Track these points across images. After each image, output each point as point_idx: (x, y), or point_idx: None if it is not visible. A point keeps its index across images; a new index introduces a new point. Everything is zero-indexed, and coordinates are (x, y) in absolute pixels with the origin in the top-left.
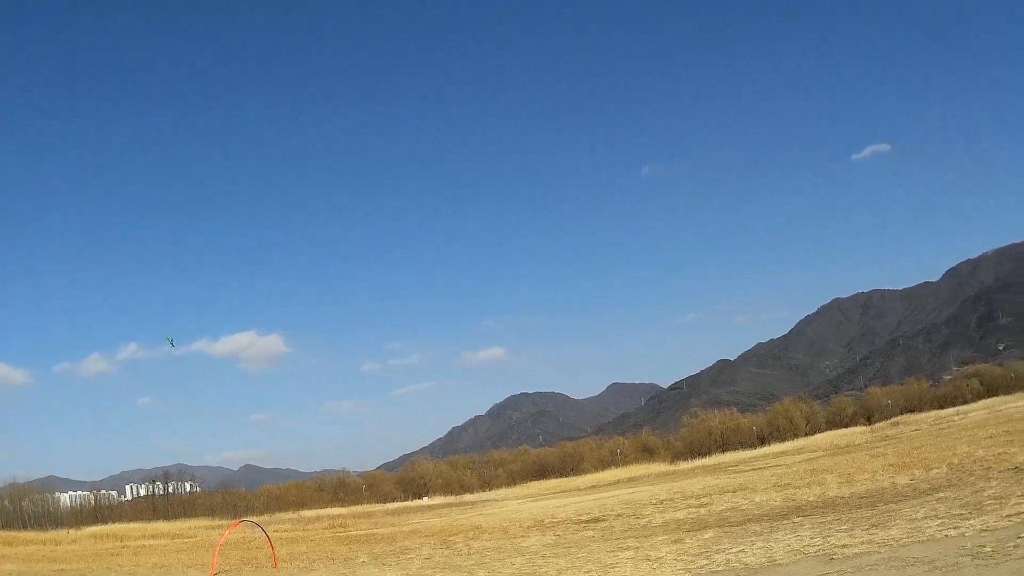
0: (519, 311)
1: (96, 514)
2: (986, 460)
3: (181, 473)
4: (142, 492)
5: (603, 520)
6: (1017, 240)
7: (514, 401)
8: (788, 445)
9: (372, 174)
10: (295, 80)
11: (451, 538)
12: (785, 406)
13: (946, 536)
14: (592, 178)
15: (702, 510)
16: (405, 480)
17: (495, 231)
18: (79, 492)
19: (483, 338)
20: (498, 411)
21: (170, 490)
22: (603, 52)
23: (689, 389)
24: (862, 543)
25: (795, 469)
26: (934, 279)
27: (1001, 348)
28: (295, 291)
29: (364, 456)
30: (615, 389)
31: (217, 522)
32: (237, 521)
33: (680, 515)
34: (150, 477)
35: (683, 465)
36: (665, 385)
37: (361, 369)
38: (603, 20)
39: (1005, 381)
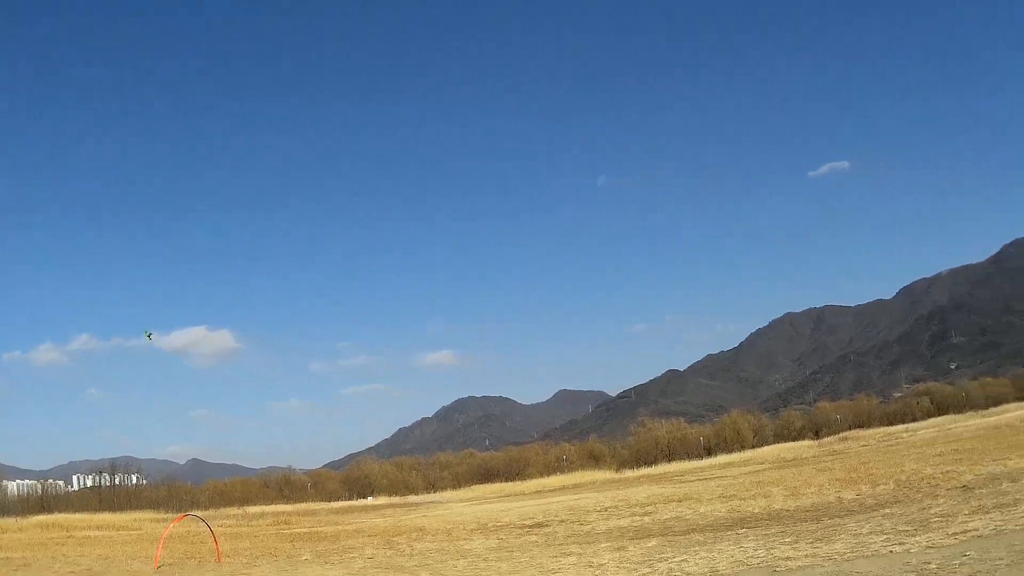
0: (470, 315)
1: (43, 503)
2: (934, 478)
3: (128, 465)
4: (89, 483)
5: (547, 525)
6: (973, 261)
7: (461, 404)
8: (735, 457)
9: (328, 175)
10: (258, 76)
11: (394, 538)
12: (733, 418)
13: (891, 552)
14: (548, 185)
15: (646, 518)
16: (350, 479)
17: (448, 235)
18: (26, 481)
19: (432, 341)
20: (445, 414)
21: (117, 482)
22: (563, 60)
23: (637, 398)
24: (806, 556)
25: (741, 481)
26: (887, 297)
27: (953, 367)
28: (247, 288)
29: (310, 454)
30: (563, 396)
31: (162, 515)
32: (182, 515)
33: (624, 523)
34: (97, 468)
35: (629, 473)
36: (613, 393)
37: (310, 368)
38: (563, 29)
39: (956, 400)
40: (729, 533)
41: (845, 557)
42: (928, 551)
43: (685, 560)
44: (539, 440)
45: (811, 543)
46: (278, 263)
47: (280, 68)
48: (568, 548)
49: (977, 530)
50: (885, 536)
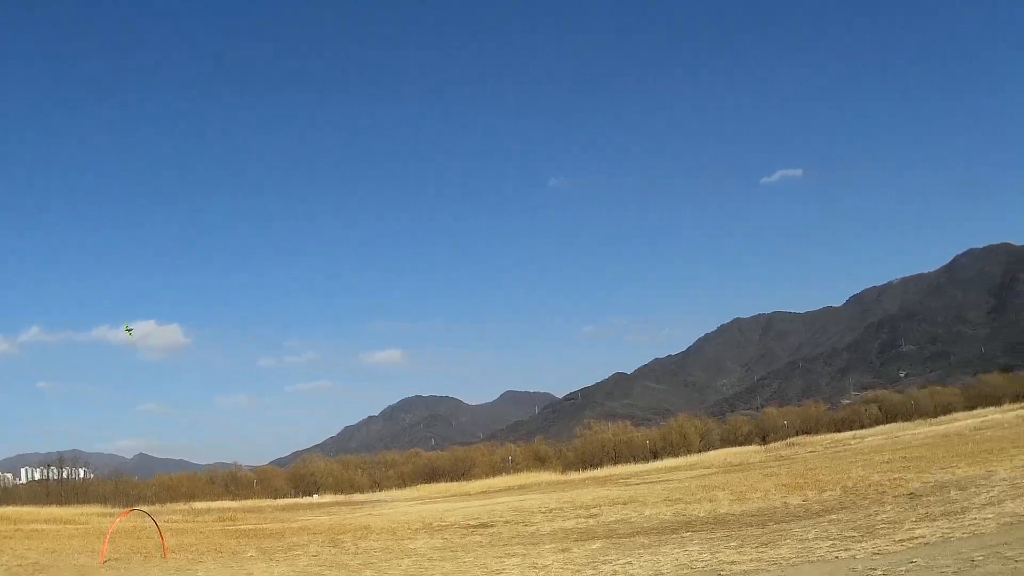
0: (418, 314)
1: None
2: (881, 484)
3: (76, 459)
4: (37, 476)
5: (492, 526)
6: (924, 270)
7: (408, 403)
8: (681, 460)
9: (278, 173)
10: (222, 69)
11: (339, 537)
12: (680, 422)
13: (836, 558)
14: (499, 186)
15: (591, 521)
16: (296, 477)
17: (397, 234)
18: None
19: (380, 339)
20: (392, 412)
21: (64, 475)
22: (516, 61)
23: (584, 400)
24: (751, 560)
25: (687, 484)
26: (837, 304)
27: (902, 375)
28: (197, 282)
29: (257, 451)
30: (509, 397)
31: (109, 509)
32: (128, 510)
33: (569, 524)
34: (45, 461)
35: (574, 475)
36: (560, 395)
37: (258, 364)
38: (515, 30)
39: (904, 408)
40: (674, 536)
41: (790, 562)
42: (874, 557)
43: (629, 563)
44: (485, 441)
45: (756, 547)
46: (228, 258)
47: (236, 62)
48: (513, 549)
49: (924, 537)
50: (831, 542)
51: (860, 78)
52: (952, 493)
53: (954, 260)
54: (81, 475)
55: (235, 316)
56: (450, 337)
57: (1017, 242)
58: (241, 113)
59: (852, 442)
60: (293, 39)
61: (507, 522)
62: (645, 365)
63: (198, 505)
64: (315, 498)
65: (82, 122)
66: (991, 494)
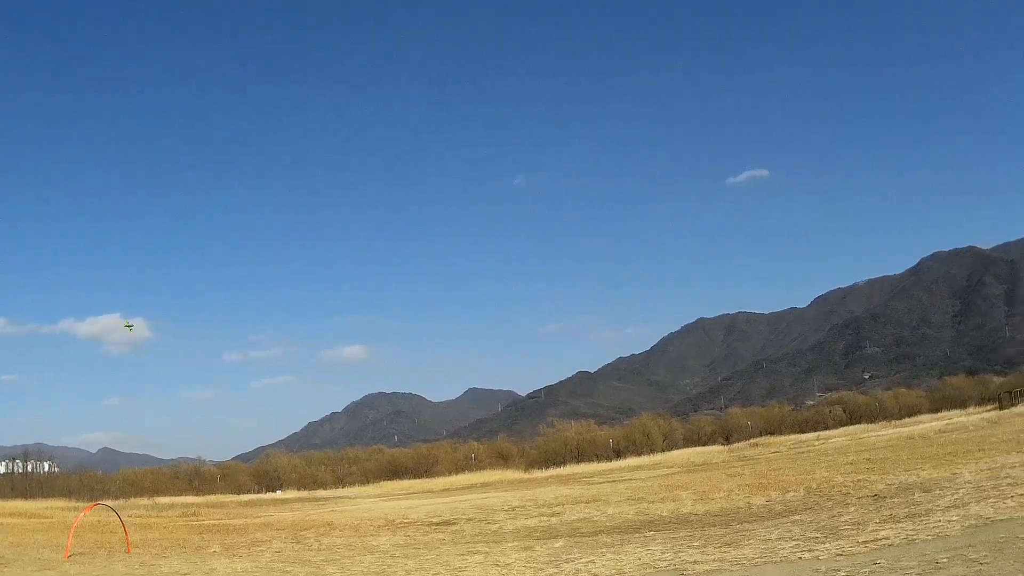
0: (382, 310)
1: None
2: (845, 486)
3: (40, 452)
4: (1, 470)
5: (454, 523)
6: (889, 272)
7: (371, 400)
8: (644, 460)
9: (243, 165)
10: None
11: (302, 533)
12: (643, 421)
13: (800, 558)
14: (465, 183)
15: (554, 519)
16: (260, 472)
17: (362, 230)
18: None
19: (345, 335)
20: (355, 409)
21: (29, 469)
22: (482, 57)
23: (547, 398)
24: (714, 560)
25: (650, 484)
26: (801, 306)
27: (867, 377)
28: (162, 275)
29: (221, 446)
30: (472, 394)
31: (74, 504)
32: (92, 504)
33: (532, 523)
34: (9, 455)
35: (537, 474)
36: (523, 393)
37: (223, 358)
38: (480, 24)
39: (869, 410)
40: (637, 535)
41: (753, 562)
42: (838, 558)
43: (592, 561)
44: (448, 438)
45: (719, 547)
46: (194, 252)
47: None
48: (475, 547)
49: (888, 539)
50: (794, 542)
51: (829, 80)
52: (916, 495)
53: (920, 263)
54: (46, 469)
55: (200, 310)
56: (414, 334)
57: (984, 245)
58: (205, 105)
59: (816, 443)
60: (248, 31)
61: (470, 520)
62: (609, 364)
63: (162, 500)
64: (278, 494)
65: (43, 112)
66: (956, 496)
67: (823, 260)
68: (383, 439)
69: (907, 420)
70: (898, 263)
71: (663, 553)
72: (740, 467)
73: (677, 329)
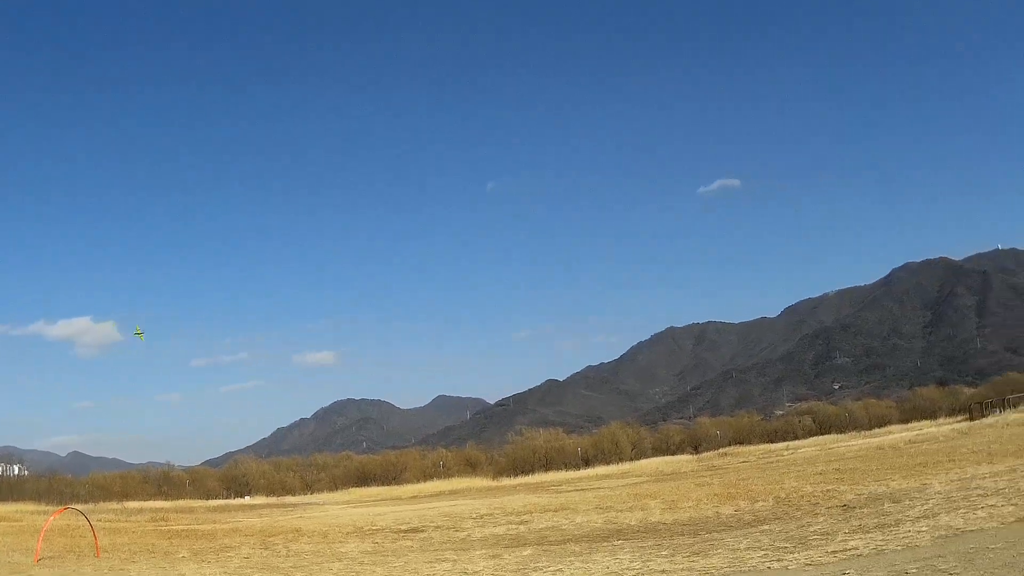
0: (351, 317)
1: None
2: (814, 496)
3: (10, 456)
4: None
5: (422, 531)
6: (860, 283)
7: (340, 406)
8: (613, 468)
9: (212, 168)
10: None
11: (271, 539)
12: (612, 430)
13: (768, 568)
14: (437, 188)
15: (522, 527)
16: (228, 478)
17: (332, 235)
18: None
19: (314, 341)
20: (324, 415)
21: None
22: (453, 61)
23: (516, 406)
24: (682, 569)
25: (618, 492)
26: (772, 315)
27: (836, 387)
28: (133, 279)
29: (190, 450)
30: (441, 401)
31: (43, 507)
32: (62, 508)
33: (500, 531)
34: None
35: (506, 481)
36: (492, 401)
37: (191, 363)
38: (452, 29)
39: (839, 420)
40: (605, 544)
41: (722, 571)
42: (807, 568)
43: (560, 570)
44: (417, 445)
45: (688, 556)
46: (164, 255)
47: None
48: (443, 554)
49: (857, 549)
50: (763, 552)
51: (801, 90)
52: (886, 505)
53: (891, 273)
54: (16, 472)
55: (171, 314)
56: (383, 340)
57: (955, 256)
58: (167, 106)
59: (785, 453)
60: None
61: (438, 527)
62: (578, 372)
63: (131, 504)
64: (247, 499)
65: (12, 113)
66: (926, 507)
67: (794, 270)
68: (352, 445)
69: (877, 430)
70: (869, 274)
71: (631, 562)
72: (709, 476)
73: (646, 338)
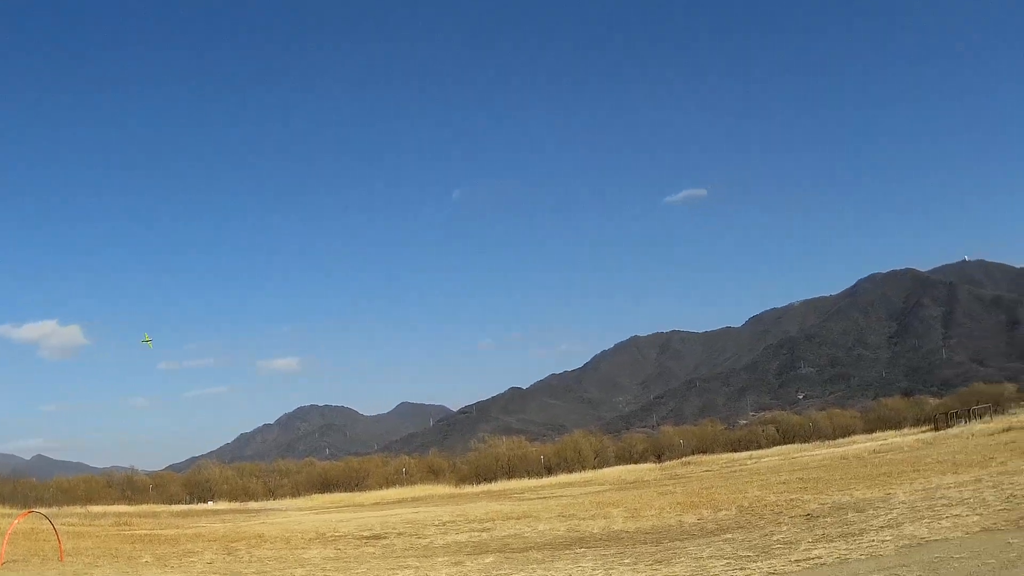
0: (316, 323)
1: None
2: (778, 505)
3: None
4: None
5: (385, 537)
6: (826, 294)
7: (303, 412)
8: (575, 476)
9: (178, 172)
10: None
11: (233, 544)
12: (575, 438)
13: None
14: (403, 198)
15: (484, 534)
16: (192, 483)
17: (299, 241)
18: None
19: (278, 347)
20: (287, 421)
21: None
22: (421, 70)
23: (479, 414)
24: None
25: (581, 501)
26: (736, 325)
27: (801, 397)
28: (98, 282)
29: (154, 455)
30: (404, 408)
31: (7, 510)
32: (26, 511)
33: (462, 538)
34: None
35: (468, 489)
36: (455, 408)
37: (157, 367)
38: (418, 37)
39: (803, 430)
40: (567, 552)
41: None
42: None
43: None
44: (379, 452)
45: (650, 565)
46: (131, 259)
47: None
48: (406, 561)
49: (820, 558)
50: (726, 561)
51: (769, 99)
52: (850, 515)
53: (857, 284)
54: None
55: (136, 318)
56: (347, 347)
57: (922, 268)
58: (126, 108)
59: (749, 462)
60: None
61: (400, 534)
62: (541, 380)
63: (95, 508)
64: (210, 505)
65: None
66: (890, 516)
67: (759, 280)
68: (315, 452)
69: (841, 440)
70: (835, 284)
71: (594, 570)
72: (672, 485)
73: (610, 347)
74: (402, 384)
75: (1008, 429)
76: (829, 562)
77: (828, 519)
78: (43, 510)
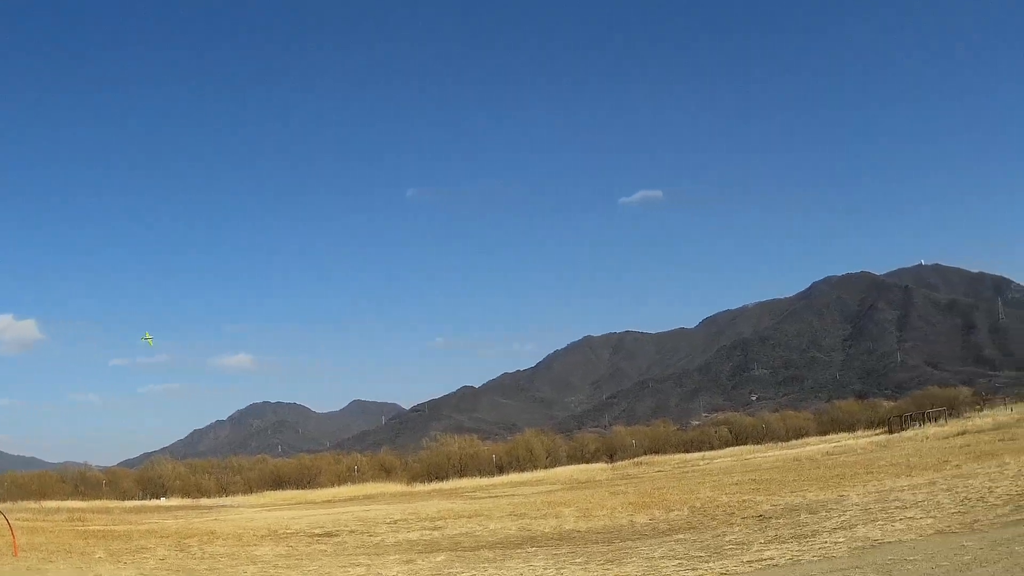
0: (268, 320)
1: None
2: (730, 506)
3: None
4: None
5: (336, 535)
6: (779, 296)
7: (256, 409)
8: (527, 476)
9: (133, 168)
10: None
11: (186, 541)
12: (527, 437)
13: None
14: (357, 195)
15: (436, 533)
16: (145, 479)
17: (251, 237)
18: None
19: (230, 344)
20: (240, 417)
21: None
22: (376, 69)
23: (431, 412)
24: None
25: (532, 500)
26: (690, 326)
27: (754, 399)
28: (52, 277)
29: (107, 451)
30: (357, 406)
31: None
32: None
33: (413, 536)
34: None
35: (420, 487)
36: (407, 406)
37: (110, 363)
38: (374, 36)
39: (755, 431)
40: (519, 551)
41: None
42: None
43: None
44: (332, 449)
45: (602, 564)
46: (85, 254)
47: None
48: (357, 559)
49: (773, 559)
50: (678, 561)
51: (725, 101)
52: (803, 516)
53: (811, 286)
54: None
55: (90, 313)
56: (299, 344)
57: (877, 271)
58: (87, 107)
59: (701, 463)
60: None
61: (352, 532)
62: (494, 379)
63: (49, 504)
64: (163, 501)
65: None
66: (843, 518)
67: (714, 282)
68: (267, 449)
69: (794, 442)
70: (790, 287)
71: (545, 569)
72: (624, 485)
73: (563, 346)
74: (355, 382)
75: (963, 433)
76: (782, 563)
77: (781, 520)
78: None
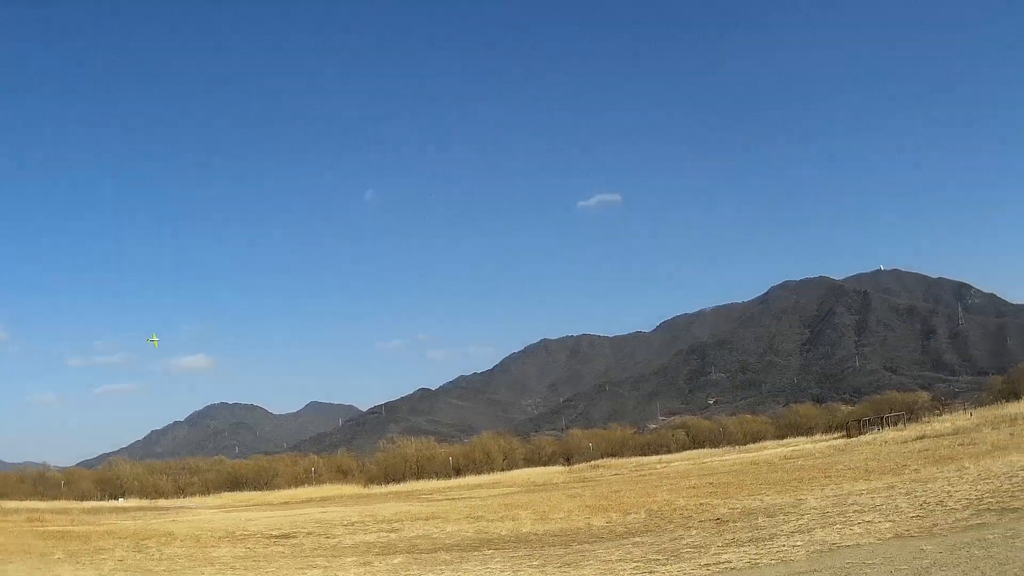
0: (225, 321)
1: None
2: (687, 509)
3: None
4: None
5: (293, 537)
6: (737, 300)
7: (213, 410)
8: (484, 478)
9: (90, 166)
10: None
11: (144, 542)
12: (483, 440)
13: None
14: (315, 195)
15: (393, 535)
16: (103, 480)
17: (207, 236)
18: None
19: (187, 344)
20: (197, 418)
21: None
22: (339, 66)
23: (387, 414)
24: None
25: (489, 502)
26: (647, 330)
27: (711, 403)
28: (9, 276)
29: (66, 451)
30: (313, 407)
31: None
32: None
33: (371, 538)
34: None
35: (376, 489)
36: (364, 408)
37: (68, 363)
38: (333, 31)
39: (712, 435)
40: (476, 554)
41: None
42: None
43: None
44: (289, 451)
45: (559, 567)
46: (43, 253)
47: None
48: (314, 561)
49: (730, 562)
50: (635, 564)
51: (685, 104)
52: (760, 520)
53: (769, 291)
54: None
55: (47, 313)
56: (256, 345)
57: (836, 276)
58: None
59: (658, 466)
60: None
61: (309, 533)
62: (450, 382)
63: (7, 504)
64: (121, 502)
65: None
66: (800, 522)
67: (671, 285)
68: (224, 450)
69: (751, 446)
70: (748, 291)
71: (502, 572)
72: (581, 488)
73: (520, 349)
74: (312, 383)
75: (922, 437)
76: (739, 567)
77: (738, 524)
78: None
